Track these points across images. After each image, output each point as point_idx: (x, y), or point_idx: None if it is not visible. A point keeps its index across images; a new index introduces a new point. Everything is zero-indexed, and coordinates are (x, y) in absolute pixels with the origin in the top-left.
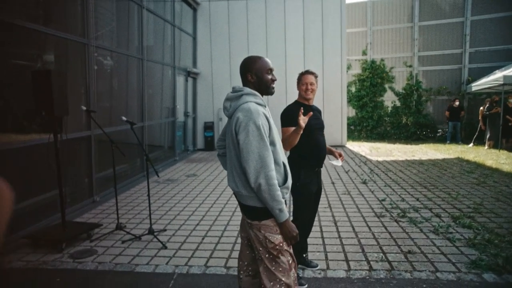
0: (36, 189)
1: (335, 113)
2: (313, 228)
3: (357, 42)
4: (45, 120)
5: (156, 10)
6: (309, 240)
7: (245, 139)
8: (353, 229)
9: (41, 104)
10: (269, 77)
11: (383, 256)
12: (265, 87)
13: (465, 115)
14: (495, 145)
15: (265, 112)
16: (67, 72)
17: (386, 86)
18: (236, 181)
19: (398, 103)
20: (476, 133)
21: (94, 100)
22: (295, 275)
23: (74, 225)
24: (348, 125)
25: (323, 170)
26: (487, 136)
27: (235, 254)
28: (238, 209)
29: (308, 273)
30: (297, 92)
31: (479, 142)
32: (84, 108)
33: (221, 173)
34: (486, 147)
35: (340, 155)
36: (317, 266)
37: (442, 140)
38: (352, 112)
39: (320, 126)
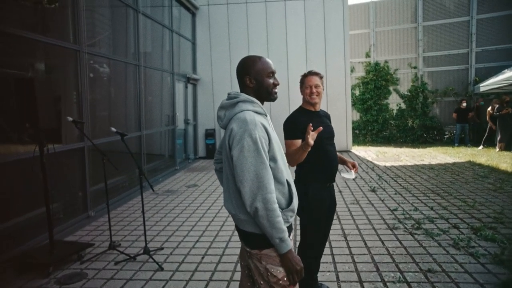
0: (24, 205)
1: (340, 117)
2: None
3: (360, 44)
4: (30, 133)
5: (153, 15)
6: None
7: (239, 155)
8: (365, 243)
9: (24, 115)
10: (271, 81)
11: (401, 276)
12: (266, 93)
13: (474, 116)
14: (507, 147)
15: (264, 123)
16: (57, 81)
17: (391, 88)
18: (233, 202)
19: (403, 106)
20: (485, 135)
21: (87, 109)
22: None
23: (64, 245)
24: (353, 129)
25: None
26: (498, 138)
27: (237, 275)
28: None
29: None
30: (301, 97)
31: (489, 144)
32: (71, 119)
33: None
34: (497, 149)
35: (354, 166)
36: None
37: (449, 142)
38: (356, 116)
39: (330, 135)
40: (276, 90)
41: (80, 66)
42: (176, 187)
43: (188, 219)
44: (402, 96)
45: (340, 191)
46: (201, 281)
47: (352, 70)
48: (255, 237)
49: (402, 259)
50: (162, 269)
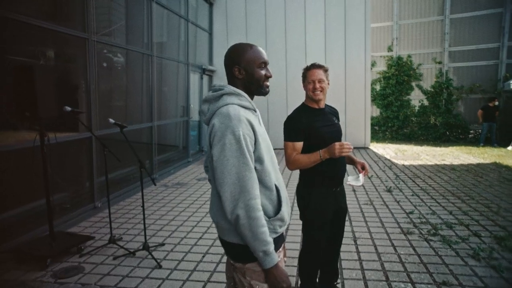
0: (29, 195)
1: (358, 113)
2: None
3: (382, 37)
4: (29, 121)
5: (168, 4)
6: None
7: (220, 154)
8: (376, 248)
9: (24, 103)
10: (263, 72)
11: None
12: (256, 86)
13: (499, 115)
14: None
15: (251, 118)
16: (65, 69)
17: (413, 84)
18: (215, 209)
19: (426, 102)
20: None
21: (95, 99)
22: None
23: (65, 237)
24: (372, 125)
25: None
26: None
27: None
28: None
29: None
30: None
31: None
32: (69, 108)
33: None
34: None
35: (363, 168)
36: None
37: (474, 142)
38: (376, 112)
39: (336, 135)
40: (268, 84)
41: (88, 55)
42: (187, 179)
43: (194, 214)
44: (425, 92)
45: (354, 190)
46: (198, 281)
47: (373, 65)
48: (238, 249)
49: (414, 268)
50: (160, 267)
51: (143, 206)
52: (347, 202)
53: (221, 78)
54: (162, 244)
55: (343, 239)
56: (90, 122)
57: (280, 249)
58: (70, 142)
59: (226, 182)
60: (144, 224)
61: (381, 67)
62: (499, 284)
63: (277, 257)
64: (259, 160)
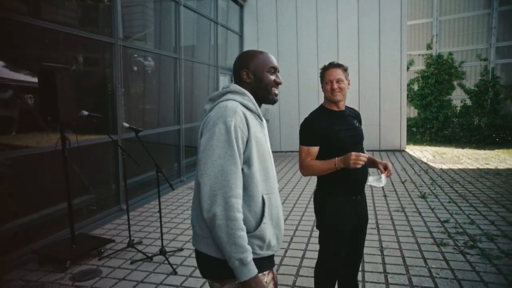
0: (56, 198)
1: (393, 114)
2: None
3: (420, 35)
4: (51, 126)
5: (197, 7)
6: None
7: (207, 143)
8: (404, 260)
9: (46, 108)
10: (272, 77)
11: None
12: (264, 91)
13: None
14: None
15: (248, 116)
16: (92, 74)
17: (455, 83)
18: (192, 211)
19: (468, 102)
20: None
21: (121, 103)
22: None
23: (86, 240)
24: (409, 126)
25: None
26: None
27: None
28: None
29: None
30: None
31: None
32: (86, 113)
33: None
34: None
35: (386, 168)
36: None
37: None
38: (414, 113)
39: (357, 140)
40: (277, 92)
41: (115, 59)
42: None
43: None
44: (467, 92)
45: (385, 195)
46: None
47: (410, 64)
48: (213, 264)
49: (446, 284)
50: (175, 273)
51: (159, 211)
52: (377, 208)
53: None
54: (181, 249)
55: (369, 249)
56: (116, 126)
57: (265, 273)
58: (97, 145)
59: (208, 173)
60: (161, 228)
61: (419, 66)
62: None
63: (256, 270)
64: (247, 162)
